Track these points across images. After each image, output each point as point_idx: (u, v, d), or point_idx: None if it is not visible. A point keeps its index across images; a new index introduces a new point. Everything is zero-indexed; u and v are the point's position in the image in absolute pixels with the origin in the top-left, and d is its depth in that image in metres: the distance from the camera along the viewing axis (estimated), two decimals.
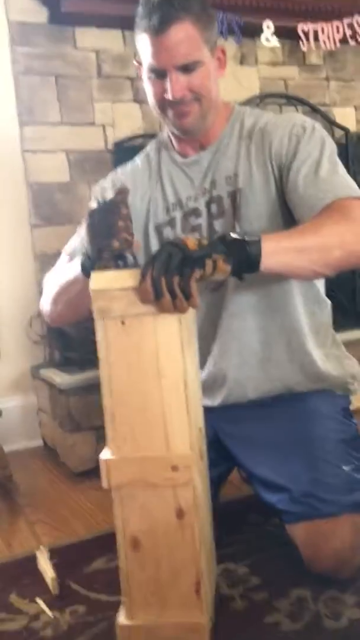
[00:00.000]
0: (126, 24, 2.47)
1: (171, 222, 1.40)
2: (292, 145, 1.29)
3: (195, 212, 1.38)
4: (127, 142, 2.50)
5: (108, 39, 2.49)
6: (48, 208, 2.41)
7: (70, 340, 2.28)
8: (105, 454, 1.07)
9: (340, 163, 1.29)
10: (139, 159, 1.49)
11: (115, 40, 2.51)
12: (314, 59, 2.92)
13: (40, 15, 2.37)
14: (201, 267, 1.00)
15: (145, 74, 1.29)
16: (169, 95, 1.25)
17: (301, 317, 1.37)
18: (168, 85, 1.24)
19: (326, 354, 1.42)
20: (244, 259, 1.05)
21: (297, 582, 1.23)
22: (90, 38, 2.46)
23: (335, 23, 2.69)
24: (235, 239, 1.06)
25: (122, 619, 1.11)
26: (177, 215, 1.39)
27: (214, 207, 1.36)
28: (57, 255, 2.38)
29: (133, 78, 2.54)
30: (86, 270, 1.15)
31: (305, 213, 1.22)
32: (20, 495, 1.94)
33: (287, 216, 1.31)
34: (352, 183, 1.25)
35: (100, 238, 1.08)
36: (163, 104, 1.29)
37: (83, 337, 2.16)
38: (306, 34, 2.67)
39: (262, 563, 1.33)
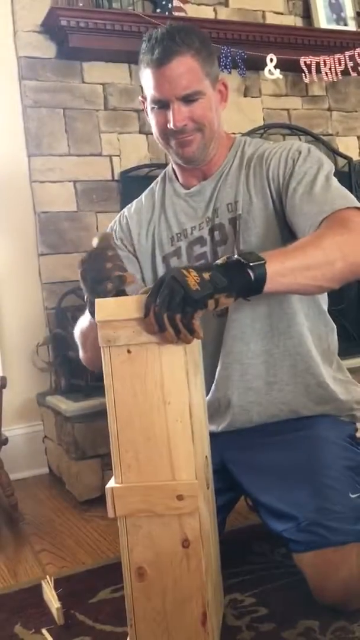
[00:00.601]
0: (132, 58, 2.52)
1: (177, 252, 1.42)
2: (288, 168, 1.31)
3: (200, 241, 1.40)
4: (133, 171, 2.55)
5: (115, 73, 2.56)
6: (55, 237, 2.45)
7: (76, 367, 2.28)
8: (112, 483, 1.07)
9: (335, 180, 1.29)
10: (144, 196, 1.52)
11: (121, 74, 2.57)
12: (316, 90, 2.98)
13: (49, 50, 2.44)
14: (203, 308, 0.99)
15: (149, 107, 1.34)
16: (171, 125, 1.29)
17: (307, 340, 1.38)
18: (170, 115, 1.29)
19: (332, 376, 1.42)
20: (247, 285, 1.04)
21: (305, 612, 1.21)
22: (97, 72, 2.53)
23: (337, 55, 2.75)
24: (237, 265, 1.04)
25: None
26: (182, 245, 1.42)
27: (217, 235, 1.38)
28: (63, 283, 2.43)
29: (139, 110, 2.60)
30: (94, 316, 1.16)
31: (307, 231, 1.23)
32: (26, 523, 1.93)
33: (288, 238, 1.32)
34: (348, 194, 1.26)
35: (95, 284, 1.11)
36: (166, 134, 1.33)
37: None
38: (308, 66, 2.73)
39: (269, 593, 1.31)
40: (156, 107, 1.31)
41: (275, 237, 1.33)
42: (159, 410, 1.03)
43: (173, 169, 1.47)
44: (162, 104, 1.30)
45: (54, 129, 2.46)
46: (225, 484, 1.37)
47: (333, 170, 1.32)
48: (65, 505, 2.07)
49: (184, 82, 1.27)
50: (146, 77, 1.31)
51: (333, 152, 2.82)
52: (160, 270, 1.44)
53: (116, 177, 2.55)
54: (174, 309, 0.97)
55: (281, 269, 1.07)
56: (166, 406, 1.03)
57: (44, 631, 1.26)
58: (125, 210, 1.55)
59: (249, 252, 1.08)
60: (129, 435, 1.05)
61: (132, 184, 2.49)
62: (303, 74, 2.73)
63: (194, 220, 1.41)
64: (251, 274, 1.03)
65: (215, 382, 1.40)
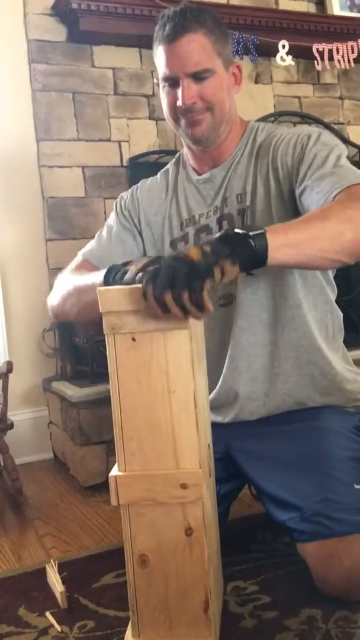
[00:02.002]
0: (143, 43, 2.52)
1: (184, 238, 1.42)
2: (297, 153, 1.28)
3: (207, 229, 1.40)
4: (142, 158, 2.53)
5: (125, 57, 2.53)
6: (63, 222, 2.44)
7: (82, 353, 2.29)
8: (115, 471, 1.07)
9: (347, 161, 1.25)
10: (159, 175, 1.52)
11: (132, 58, 2.55)
12: (328, 78, 2.95)
13: (59, 33, 2.42)
14: (211, 277, 0.95)
15: (160, 86, 1.33)
16: (180, 102, 1.28)
17: (312, 331, 1.37)
18: (180, 92, 1.28)
19: (337, 366, 1.41)
20: (250, 255, 0.99)
21: (308, 601, 1.21)
22: (107, 56, 2.50)
23: (350, 43, 2.72)
24: (237, 234, 1.00)
25: (129, 636, 1.10)
26: (190, 231, 1.42)
27: (225, 225, 1.37)
28: None
29: (149, 96, 2.58)
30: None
31: (321, 198, 1.17)
32: (30, 507, 1.94)
33: None
34: (358, 171, 1.21)
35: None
36: (176, 113, 1.32)
37: (95, 350, 2.17)
38: (321, 54, 2.70)
39: (272, 581, 1.31)
40: (167, 85, 1.31)
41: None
42: (164, 398, 1.03)
43: (186, 153, 1.46)
44: (172, 82, 1.29)
45: (63, 113, 2.44)
46: (229, 473, 1.37)
47: (346, 153, 1.28)
48: (69, 490, 2.08)
49: (195, 58, 1.26)
50: (158, 55, 1.30)
51: (344, 141, 2.79)
52: (167, 253, 1.43)
53: (125, 163, 2.53)
54: (180, 286, 0.93)
55: (284, 239, 1.02)
56: (171, 395, 1.03)
57: (47, 614, 1.27)
58: (140, 184, 1.53)
59: (249, 225, 1.07)
60: (133, 424, 1.05)
61: (140, 170, 2.47)
62: (315, 61, 2.70)
63: (203, 207, 1.41)
64: (252, 243, 0.99)
65: (222, 373, 1.39)
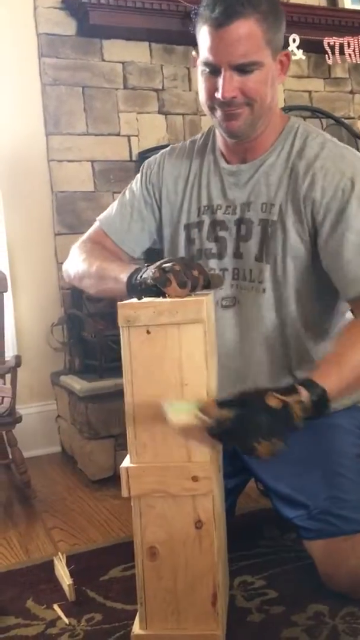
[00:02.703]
0: (153, 37, 2.51)
1: (199, 225, 1.38)
2: (336, 202, 1.21)
3: (222, 225, 1.35)
4: (151, 152, 2.52)
5: (135, 51, 2.53)
6: (72, 216, 2.44)
7: (90, 347, 2.29)
8: (127, 462, 1.07)
9: None
10: (187, 145, 1.44)
11: (141, 53, 2.54)
12: (339, 72, 2.93)
13: (69, 27, 2.41)
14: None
15: (199, 68, 1.22)
16: (219, 94, 1.18)
17: (323, 344, 1.35)
18: (220, 83, 1.17)
19: None
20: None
21: (315, 597, 1.21)
22: (117, 50, 2.50)
23: None
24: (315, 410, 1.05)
25: (137, 628, 1.11)
26: (206, 219, 1.36)
27: (243, 229, 1.32)
28: None
29: (158, 90, 2.57)
30: (134, 292, 1.14)
31: (343, 285, 1.22)
32: (38, 501, 1.95)
33: (310, 259, 1.28)
34: None
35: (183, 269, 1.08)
36: (212, 103, 1.22)
37: (103, 345, 2.17)
38: (332, 48, 2.68)
39: (279, 576, 1.31)
40: (207, 70, 1.20)
41: (300, 255, 1.27)
42: (176, 391, 1.03)
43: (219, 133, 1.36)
44: (213, 69, 1.18)
45: (72, 107, 2.44)
46: (235, 468, 1.36)
47: None
48: (77, 484, 2.09)
49: (242, 49, 1.14)
50: (202, 35, 1.18)
51: (354, 136, 2.77)
52: (180, 236, 1.38)
53: (134, 158, 2.53)
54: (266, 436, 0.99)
55: (338, 390, 1.09)
56: (184, 387, 1.03)
57: (55, 607, 1.28)
58: (168, 152, 1.45)
59: (315, 391, 1.05)
60: (145, 416, 1.05)
61: None
62: (326, 55, 2.68)
63: (222, 199, 1.35)
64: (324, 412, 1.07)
65: (235, 379, 1.34)
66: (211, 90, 1.20)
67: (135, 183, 1.48)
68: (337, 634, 1.11)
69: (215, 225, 1.36)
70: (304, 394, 1.03)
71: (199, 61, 1.22)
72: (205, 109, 1.27)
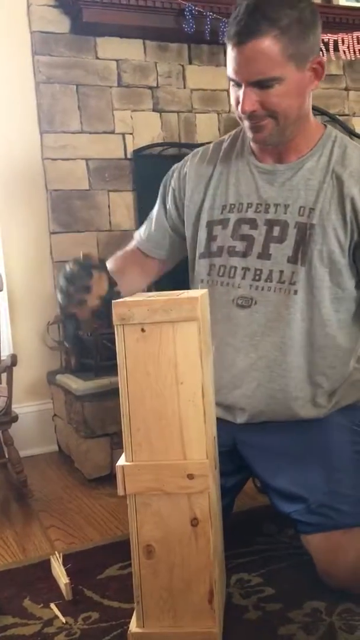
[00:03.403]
0: (147, 34, 2.51)
1: (223, 222, 1.36)
2: None
3: (251, 222, 1.33)
4: (146, 150, 2.52)
5: (129, 49, 2.52)
6: (67, 215, 2.43)
7: (86, 346, 2.29)
8: (122, 461, 1.07)
9: None
10: (211, 147, 1.45)
11: (135, 50, 2.54)
12: (333, 69, 2.92)
13: (62, 25, 2.40)
14: None
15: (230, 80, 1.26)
16: (239, 107, 1.22)
17: (338, 356, 1.35)
18: (241, 97, 1.21)
19: (351, 368, 1.40)
20: None
21: (312, 593, 1.22)
22: (111, 48, 2.49)
23: (356, 34, 2.69)
24: None
25: (134, 626, 1.11)
26: (232, 217, 1.35)
27: (276, 230, 1.31)
28: None
29: (153, 87, 2.56)
30: None
31: None
32: (35, 500, 1.95)
33: (347, 265, 1.29)
34: None
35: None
36: (239, 115, 1.26)
37: (99, 343, 2.17)
38: (326, 45, 2.67)
39: (276, 574, 1.32)
40: (233, 83, 1.24)
41: (337, 261, 1.28)
42: (172, 389, 1.03)
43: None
44: (237, 83, 1.22)
45: (66, 105, 2.43)
46: (234, 466, 1.37)
47: None
48: (74, 482, 2.08)
49: (259, 67, 1.17)
50: (228, 51, 1.21)
51: (349, 133, 2.78)
52: (202, 232, 1.38)
53: (129, 156, 2.52)
54: None
55: None
56: (179, 386, 1.03)
57: (52, 606, 1.28)
58: (191, 156, 1.47)
59: None
60: (140, 414, 1.05)
61: (144, 162, 2.46)
62: (320, 52, 2.68)
63: (253, 197, 1.34)
64: None
65: (241, 380, 1.34)
66: (236, 102, 1.24)
67: (160, 190, 1.52)
68: (334, 630, 1.11)
69: (243, 223, 1.34)
70: None
71: (227, 73, 1.25)
72: (234, 116, 1.30)
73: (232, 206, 1.36)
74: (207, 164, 1.42)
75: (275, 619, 1.16)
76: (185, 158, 1.48)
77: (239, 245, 1.33)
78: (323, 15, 2.67)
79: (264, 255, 1.31)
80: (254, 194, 1.34)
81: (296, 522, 1.25)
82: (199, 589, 1.07)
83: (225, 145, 1.42)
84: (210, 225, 1.38)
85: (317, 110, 2.73)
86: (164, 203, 1.49)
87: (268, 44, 1.15)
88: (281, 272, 1.30)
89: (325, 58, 1.29)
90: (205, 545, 1.06)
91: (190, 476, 1.04)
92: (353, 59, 2.74)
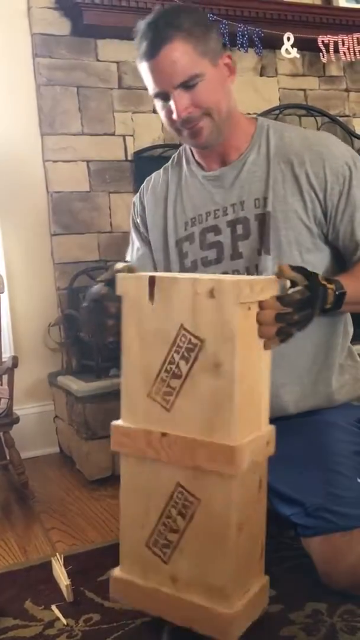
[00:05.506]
0: None
1: (189, 238, 1.40)
2: (339, 185, 1.29)
3: (215, 229, 1.37)
4: (147, 152, 2.52)
5: (129, 51, 2.52)
6: (68, 217, 2.44)
7: (87, 348, 2.29)
8: (235, 441, 1.04)
9: None
10: (162, 172, 1.50)
11: (136, 52, 2.53)
12: (333, 70, 2.93)
13: (63, 27, 2.41)
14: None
15: (154, 101, 1.30)
16: (175, 116, 1.25)
17: (324, 349, 1.37)
18: (173, 105, 1.24)
19: (341, 364, 1.40)
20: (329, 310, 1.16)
21: (313, 594, 1.21)
22: (111, 49, 2.49)
23: (356, 35, 2.70)
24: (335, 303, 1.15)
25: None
26: (196, 230, 1.39)
27: (239, 228, 1.34)
28: (75, 263, 2.43)
29: None
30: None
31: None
32: (36, 501, 1.95)
33: (314, 242, 1.32)
34: None
35: (97, 336, 1.21)
36: (176, 126, 1.28)
37: (100, 345, 2.17)
38: (326, 46, 2.68)
39: (277, 575, 1.31)
40: (159, 100, 1.27)
41: (305, 241, 1.31)
42: (260, 362, 1.07)
43: (190, 149, 1.43)
44: (163, 96, 1.25)
45: (67, 107, 2.44)
46: None
47: None
48: (75, 484, 2.09)
49: (178, 69, 1.21)
50: (143, 72, 1.27)
51: (350, 134, 2.78)
52: (173, 254, 1.42)
53: (129, 158, 2.53)
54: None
55: (350, 298, 1.19)
56: (261, 362, 1.07)
57: (53, 607, 1.28)
58: (145, 184, 1.52)
59: (339, 288, 1.16)
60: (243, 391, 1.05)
61: (145, 164, 2.46)
62: (321, 54, 2.69)
63: (210, 205, 1.38)
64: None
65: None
66: (169, 115, 1.27)
67: (131, 229, 1.55)
68: (335, 632, 1.11)
69: (207, 232, 1.37)
70: (334, 286, 1.16)
71: (151, 95, 1.29)
72: (172, 132, 1.33)
73: (193, 220, 1.39)
74: (161, 188, 1.46)
75: (276, 621, 1.16)
76: (141, 187, 1.52)
77: (210, 254, 1.37)
78: (323, 16, 2.70)
79: (236, 255, 1.34)
80: (209, 202, 1.38)
81: (295, 524, 1.25)
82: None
83: (172, 166, 1.47)
84: (178, 244, 1.41)
85: (317, 112, 2.75)
86: (135, 232, 1.53)
87: (179, 45, 1.21)
88: (256, 265, 1.33)
89: (231, 53, 1.34)
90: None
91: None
92: (353, 60, 2.75)
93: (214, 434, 1.02)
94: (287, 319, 1.04)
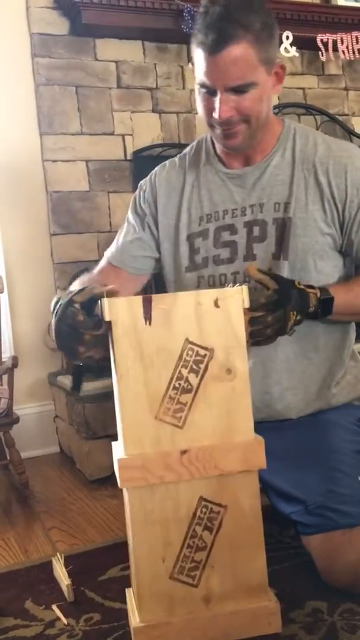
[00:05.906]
0: (146, 35, 2.51)
1: (203, 234, 1.38)
2: (357, 199, 1.29)
3: (230, 228, 1.35)
4: (146, 151, 2.52)
5: (128, 50, 2.52)
6: (67, 216, 2.44)
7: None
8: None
9: None
10: (177, 161, 1.45)
11: (135, 51, 2.54)
12: (332, 69, 2.93)
13: (62, 27, 2.41)
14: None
15: (197, 86, 1.25)
16: (216, 115, 1.22)
17: (329, 357, 1.38)
18: (216, 104, 1.21)
19: (344, 366, 1.41)
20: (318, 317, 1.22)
21: (313, 593, 1.21)
22: (110, 49, 2.49)
23: (355, 33, 2.70)
24: (321, 310, 1.21)
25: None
26: (211, 227, 1.37)
27: (256, 230, 1.33)
28: (75, 263, 2.43)
29: (152, 88, 2.57)
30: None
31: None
32: (37, 501, 1.95)
33: (332, 251, 1.32)
34: None
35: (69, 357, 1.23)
36: (211, 121, 1.26)
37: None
38: (325, 44, 2.68)
39: (277, 574, 1.31)
40: (204, 90, 1.23)
41: (323, 250, 1.31)
42: None
43: (212, 142, 1.39)
44: (210, 90, 1.21)
45: (66, 107, 2.43)
46: None
47: None
48: (75, 484, 2.09)
49: (236, 72, 1.17)
50: (198, 57, 1.21)
51: (349, 133, 2.78)
52: (183, 247, 1.39)
53: (129, 157, 2.53)
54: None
55: (340, 307, 1.23)
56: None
57: (54, 607, 1.28)
58: (158, 170, 1.47)
59: (325, 294, 1.21)
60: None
61: (144, 163, 2.46)
62: (319, 52, 2.68)
63: (228, 203, 1.36)
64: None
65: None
66: (209, 110, 1.24)
67: (130, 212, 1.49)
68: (335, 630, 1.11)
69: (222, 230, 1.35)
70: (318, 292, 1.20)
71: (196, 81, 1.24)
72: (204, 123, 1.30)
73: (209, 216, 1.37)
74: (177, 177, 1.42)
75: None
76: (152, 172, 1.47)
77: (224, 253, 1.35)
78: (322, 15, 2.70)
79: (249, 256, 1.33)
80: (228, 200, 1.36)
81: (296, 523, 1.25)
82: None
83: (190, 156, 1.44)
84: (190, 238, 1.39)
85: (316, 110, 2.75)
86: (135, 217, 1.47)
87: (245, 48, 1.16)
88: (270, 269, 1.31)
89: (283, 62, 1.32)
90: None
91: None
92: (352, 58, 2.75)
93: (235, 435, 1.05)
94: (262, 321, 1.10)
